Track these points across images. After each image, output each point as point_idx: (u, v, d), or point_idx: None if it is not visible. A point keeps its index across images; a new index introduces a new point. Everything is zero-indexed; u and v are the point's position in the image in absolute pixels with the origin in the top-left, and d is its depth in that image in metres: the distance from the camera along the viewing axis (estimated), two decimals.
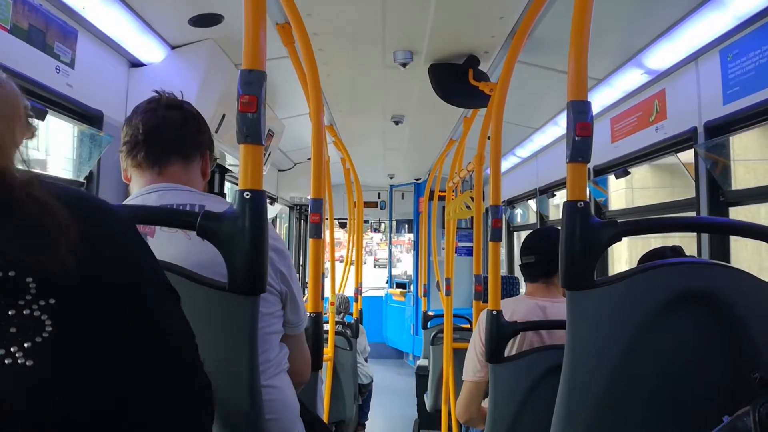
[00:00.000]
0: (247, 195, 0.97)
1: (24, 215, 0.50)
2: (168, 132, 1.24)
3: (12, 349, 0.47)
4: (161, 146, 1.23)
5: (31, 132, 0.58)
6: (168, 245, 1.08)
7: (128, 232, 0.59)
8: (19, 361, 0.47)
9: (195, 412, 0.60)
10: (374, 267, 22.36)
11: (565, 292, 1.14)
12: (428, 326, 5.27)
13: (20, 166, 0.55)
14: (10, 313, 0.48)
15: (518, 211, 5.81)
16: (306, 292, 1.81)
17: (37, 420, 0.47)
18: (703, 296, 1.12)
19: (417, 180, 7.83)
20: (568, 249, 1.10)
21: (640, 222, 1.25)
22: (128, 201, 1.21)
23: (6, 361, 0.47)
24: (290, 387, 1.26)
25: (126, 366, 0.53)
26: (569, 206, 1.10)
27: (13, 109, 0.56)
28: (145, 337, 0.56)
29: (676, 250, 1.66)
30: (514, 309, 1.84)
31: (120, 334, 0.53)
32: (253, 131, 1.00)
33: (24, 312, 0.48)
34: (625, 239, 1.18)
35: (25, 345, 0.47)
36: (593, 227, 1.10)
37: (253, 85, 0.99)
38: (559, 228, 1.13)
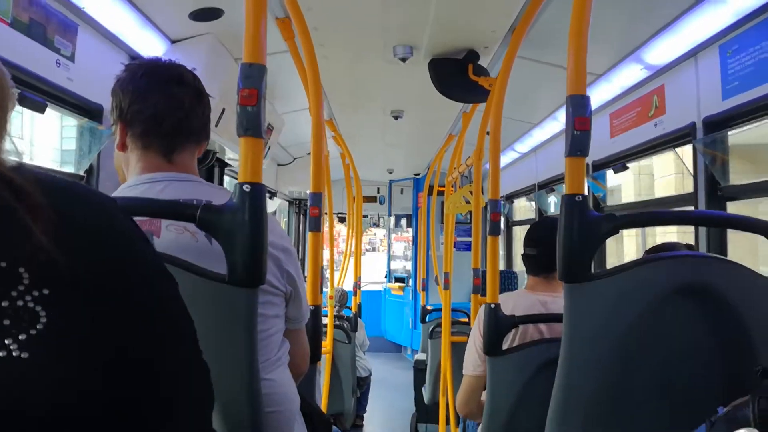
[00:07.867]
0: (247, 188, 0.97)
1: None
2: (190, 120, 1.18)
3: (6, 342, 0.45)
4: (180, 134, 1.17)
5: (12, 102, 0.55)
6: (174, 246, 1.06)
7: (117, 217, 0.56)
8: (14, 354, 0.45)
9: (198, 401, 0.59)
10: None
11: (563, 284, 1.14)
12: (426, 320, 5.30)
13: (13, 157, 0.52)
14: (3, 304, 0.46)
15: (516, 206, 5.82)
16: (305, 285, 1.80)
17: (36, 415, 0.46)
18: (701, 289, 1.13)
19: (416, 175, 7.83)
20: (566, 241, 1.10)
21: (638, 215, 1.26)
22: (126, 188, 1.14)
23: (0, 354, 0.45)
24: (290, 380, 1.26)
25: (124, 356, 0.51)
26: (567, 199, 1.10)
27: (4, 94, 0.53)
28: (143, 325, 0.53)
29: (691, 248, 1.65)
30: (515, 303, 1.83)
31: (117, 323, 0.51)
32: (253, 124, 1.00)
33: (18, 303, 0.46)
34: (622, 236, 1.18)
35: (20, 337, 0.46)
36: (591, 220, 1.10)
37: (253, 79, 0.99)
38: None
